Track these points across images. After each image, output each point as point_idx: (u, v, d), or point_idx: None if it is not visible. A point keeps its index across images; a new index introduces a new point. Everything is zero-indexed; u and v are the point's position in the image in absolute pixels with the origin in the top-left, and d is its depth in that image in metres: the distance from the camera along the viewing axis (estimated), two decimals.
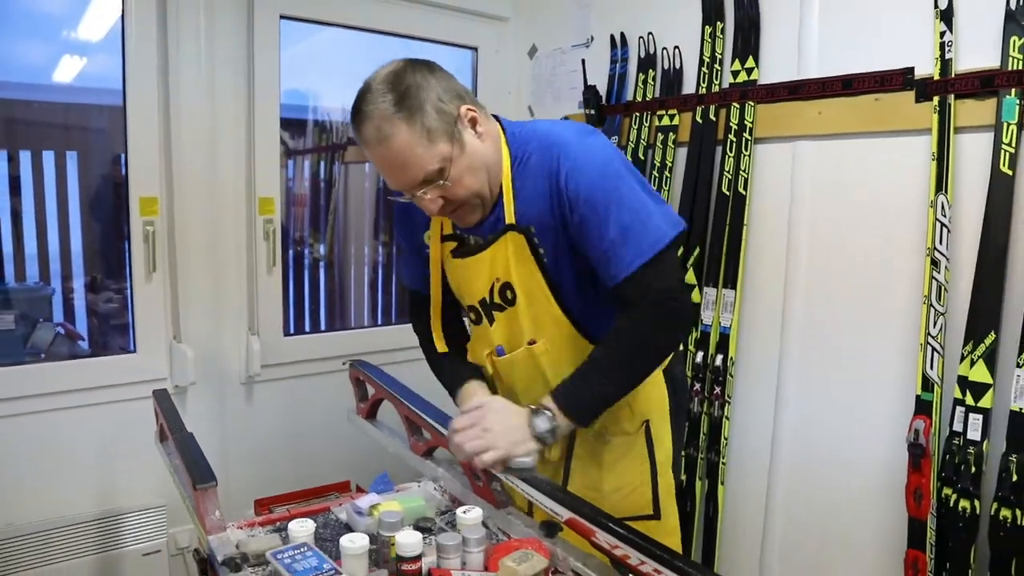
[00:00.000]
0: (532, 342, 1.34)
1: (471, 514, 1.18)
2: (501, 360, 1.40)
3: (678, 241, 1.25)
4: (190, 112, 2.01)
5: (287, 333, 2.34)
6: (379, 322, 3.13)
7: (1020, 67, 1.49)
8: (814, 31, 1.81)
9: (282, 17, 2.13)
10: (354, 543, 1.10)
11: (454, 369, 1.47)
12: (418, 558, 1.09)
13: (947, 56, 1.58)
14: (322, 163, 3.31)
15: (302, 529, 1.19)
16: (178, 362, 2.04)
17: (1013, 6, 1.49)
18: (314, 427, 2.25)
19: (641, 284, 1.20)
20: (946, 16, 1.58)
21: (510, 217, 1.28)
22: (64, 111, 2.23)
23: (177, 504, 1.43)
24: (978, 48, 1.55)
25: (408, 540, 1.08)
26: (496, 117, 1.34)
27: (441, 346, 1.47)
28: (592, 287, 1.31)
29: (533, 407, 1.24)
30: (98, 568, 2.01)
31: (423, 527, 1.23)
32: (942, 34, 1.58)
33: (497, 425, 1.22)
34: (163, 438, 1.56)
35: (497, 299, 1.35)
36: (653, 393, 1.43)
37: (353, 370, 1.75)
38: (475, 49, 2.56)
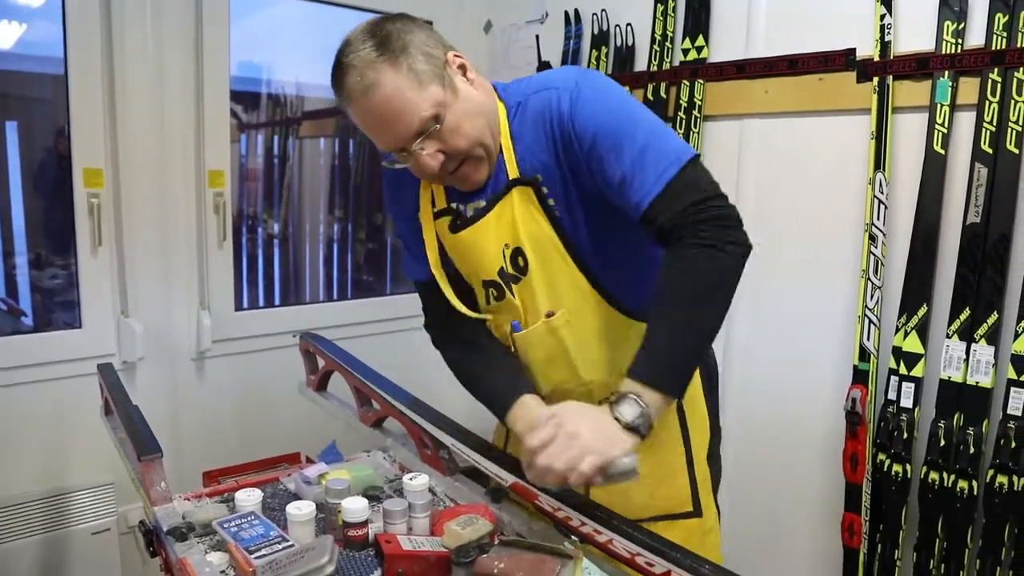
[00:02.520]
0: (550, 314, 1.18)
1: (417, 480, 1.20)
2: (518, 337, 1.23)
3: (699, 159, 1.08)
4: (136, 83, 1.96)
5: (239, 308, 2.32)
6: (335, 297, 3.11)
7: (953, 51, 1.55)
8: (762, 11, 1.85)
9: None
10: (300, 510, 1.12)
11: (498, 378, 1.24)
12: (364, 524, 1.11)
13: (887, 38, 1.64)
14: (276, 137, 3.27)
15: (249, 498, 1.20)
16: (126, 337, 2.01)
17: None
18: (267, 402, 2.24)
19: (674, 203, 1.03)
20: (888, 2, 1.63)
21: (513, 170, 1.14)
22: (2, 79, 2.17)
23: (126, 481, 1.41)
24: (915, 31, 1.61)
25: (354, 506, 1.10)
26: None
27: (461, 306, 1.23)
28: (613, 243, 1.16)
29: (611, 397, 1.02)
30: (46, 548, 1.99)
31: (371, 495, 1.25)
32: (882, 17, 1.64)
33: (581, 428, 0.99)
34: (108, 412, 1.55)
35: (510, 269, 1.19)
36: None
37: (303, 342, 1.76)
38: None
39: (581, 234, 1.15)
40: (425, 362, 2.62)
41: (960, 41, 1.54)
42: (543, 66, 2.30)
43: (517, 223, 1.15)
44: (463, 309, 1.23)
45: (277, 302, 3.10)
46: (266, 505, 1.24)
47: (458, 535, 1.07)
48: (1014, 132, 1.49)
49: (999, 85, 1.49)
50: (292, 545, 1.08)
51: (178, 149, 2.06)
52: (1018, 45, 1.47)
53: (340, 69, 1.06)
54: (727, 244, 1.02)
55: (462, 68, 1.12)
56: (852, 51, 1.68)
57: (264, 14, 2.60)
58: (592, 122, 1.07)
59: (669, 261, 1.05)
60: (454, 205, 1.22)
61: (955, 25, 1.54)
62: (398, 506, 1.13)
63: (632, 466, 0.98)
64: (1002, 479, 1.51)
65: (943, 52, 1.56)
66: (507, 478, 1.17)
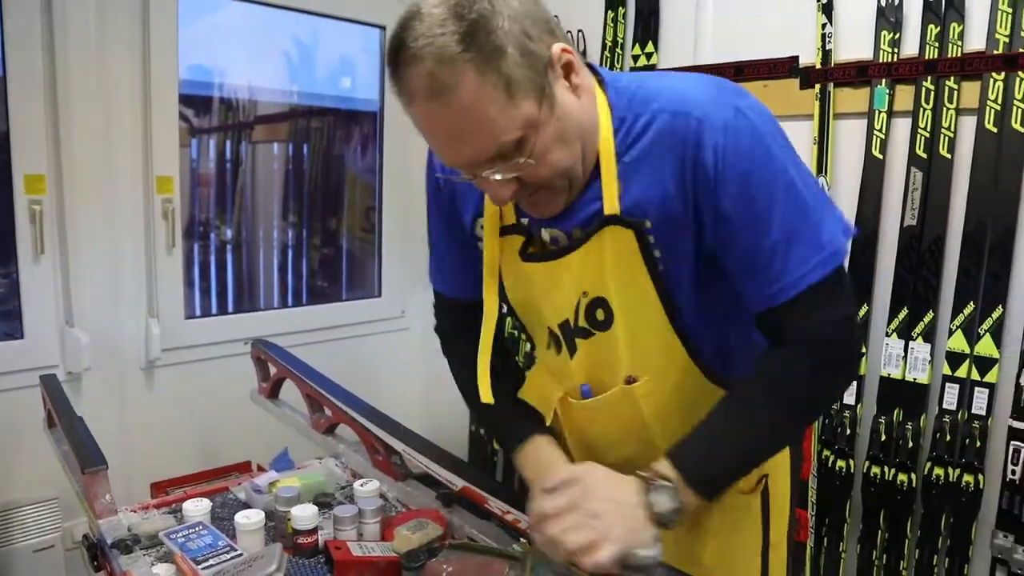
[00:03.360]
0: (631, 380, 0.99)
1: (368, 486, 1.21)
2: (583, 404, 1.04)
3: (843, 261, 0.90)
4: (80, 87, 1.93)
5: (190, 316, 2.29)
6: (289, 303, 3.09)
7: (890, 59, 1.61)
8: (709, 19, 1.90)
9: None
10: (249, 519, 1.12)
11: (509, 414, 1.10)
12: (314, 531, 1.11)
13: (828, 47, 1.70)
14: (228, 142, 3.23)
15: (197, 508, 1.19)
16: (71, 347, 1.97)
17: (883, 3, 1.60)
18: (219, 411, 2.22)
19: (809, 311, 0.87)
20: (827, 9, 1.69)
21: (611, 206, 0.92)
22: None
23: (71, 496, 1.38)
24: (855, 41, 1.67)
25: (303, 514, 1.11)
26: (589, 64, 0.96)
27: (486, 392, 1.04)
28: (720, 304, 0.98)
29: (645, 476, 0.89)
30: None
31: (322, 502, 1.25)
32: (823, 26, 1.69)
33: (605, 508, 0.87)
34: (51, 425, 1.52)
35: (583, 321, 0.99)
36: None
37: (255, 350, 1.74)
38: (383, 28, 2.55)
39: (684, 292, 0.95)
40: (380, 368, 2.65)
41: (896, 50, 1.61)
42: None
43: (606, 269, 0.94)
44: (484, 376, 1.04)
45: (231, 309, 3.07)
46: (215, 515, 1.23)
47: (408, 539, 1.08)
48: (947, 138, 1.55)
49: (932, 93, 1.56)
50: (241, 554, 1.07)
51: (125, 155, 2.03)
52: (949, 55, 1.54)
53: (403, 54, 0.81)
54: (841, 376, 0.92)
55: (567, 68, 0.87)
56: (795, 59, 1.74)
57: (216, 16, 2.57)
58: (742, 178, 0.85)
59: (772, 361, 0.91)
60: (525, 222, 1.01)
61: (891, 35, 1.61)
62: (348, 512, 1.13)
63: (656, 559, 0.87)
64: (939, 471, 1.57)
65: (880, 60, 1.62)
66: (457, 483, 1.18)
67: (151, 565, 1.08)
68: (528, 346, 2.02)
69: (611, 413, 1.03)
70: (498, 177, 0.86)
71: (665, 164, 0.89)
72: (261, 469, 1.46)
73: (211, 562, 1.05)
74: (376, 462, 1.37)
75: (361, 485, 1.22)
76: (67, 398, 1.46)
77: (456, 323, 1.16)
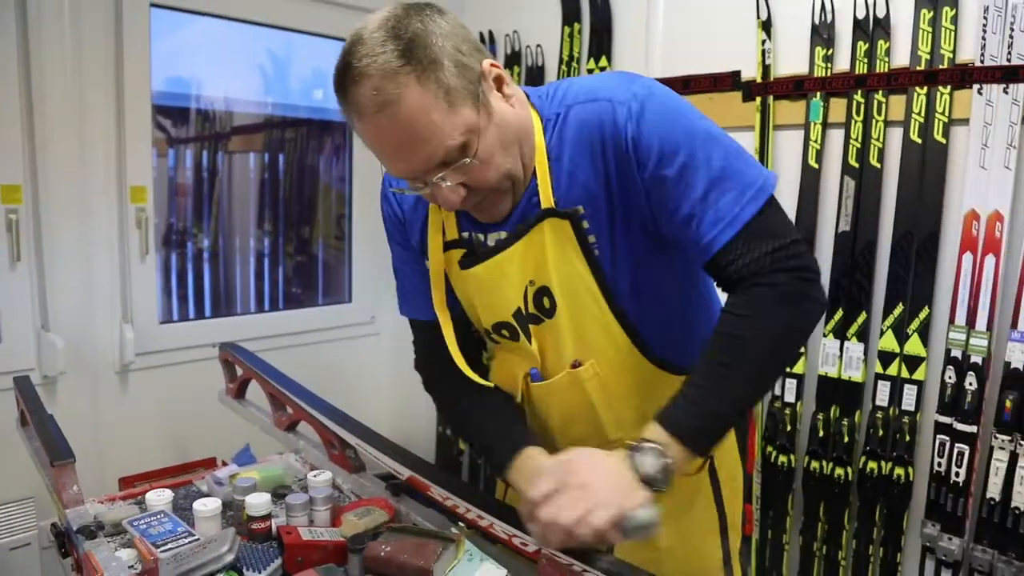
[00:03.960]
0: (576, 364, 1.04)
1: (320, 477, 1.29)
2: (537, 387, 1.10)
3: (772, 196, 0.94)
4: (55, 99, 2.01)
5: (163, 321, 2.37)
6: (266, 308, 3.17)
7: (824, 74, 1.72)
8: (659, 35, 2.01)
9: (152, 5, 2.16)
10: (206, 506, 1.20)
11: (497, 428, 1.11)
12: (267, 517, 1.19)
13: (767, 62, 1.80)
14: (204, 152, 3.32)
15: (159, 498, 1.27)
16: (47, 352, 2.05)
17: (818, 21, 1.71)
18: (191, 412, 2.29)
19: (751, 247, 0.90)
20: (766, 27, 1.80)
21: (547, 198, 0.98)
22: None
23: (46, 496, 1.46)
24: (792, 56, 1.78)
25: (256, 501, 1.19)
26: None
27: (465, 367, 1.09)
28: (657, 287, 1.03)
29: (631, 443, 0.91)
30: None
31: (280, 493, 1.34)
32: (763, 42, 1.80)
33: (591, 478, 0.89)
34: (24, 424, 1.60)
35: (532, 308, 1.05)
36: None
37: (223, 352, 1.83)
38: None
39: (621, 275, 1.01)
40: (351, 372, 2.73)
41: (830, 65, 1.72)
42: None
43: (548, 259, 1.00)
44: (464, 368, 1.09)
45: (208, 314, 3.15)
46: (178, 505, 1.31)
47: (354, 524, 1.17)
48: (876, 148, 1.66)
49: (862, 106, 1.67)
50: (197, 539, 1.16)
51: (99, 165, 2.11)
52: (877, 71, 1.64)
53: (349, 74, 0.87)
54: (804, 299, 0.92)
55: (498, 81, 0.95)
56: (738, 73, 1.85)
57: (192, 29, 2.66)
58: (659, 143, 0.91)
59: (735, 307, 0.93)
60: (466, 235, 1.07)
61: (825, 51, 1.72)
62: (299, 500, 1.22)
63: (652, 519, 0.87)
64: (872, 465, 1.67)
65: (815, 75, 1.73)
66: (404, 472, 1.27)
67: (114, 550, 1.16)
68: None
69: (561, 396, 1.08)
70: (448, 183, 0.92)
71: (585, 149, 0.96)
72: (225, 464, 1.54)
73: (169, 546, 1.14)
74: (332, 456, 1.46)
75: (314, 476, 1.31)
76: (39, 398, 1.54)
77: (430, 344, 1.17)
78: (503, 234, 1.04)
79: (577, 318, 1.03)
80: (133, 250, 2.19)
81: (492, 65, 0.94)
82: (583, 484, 0.88)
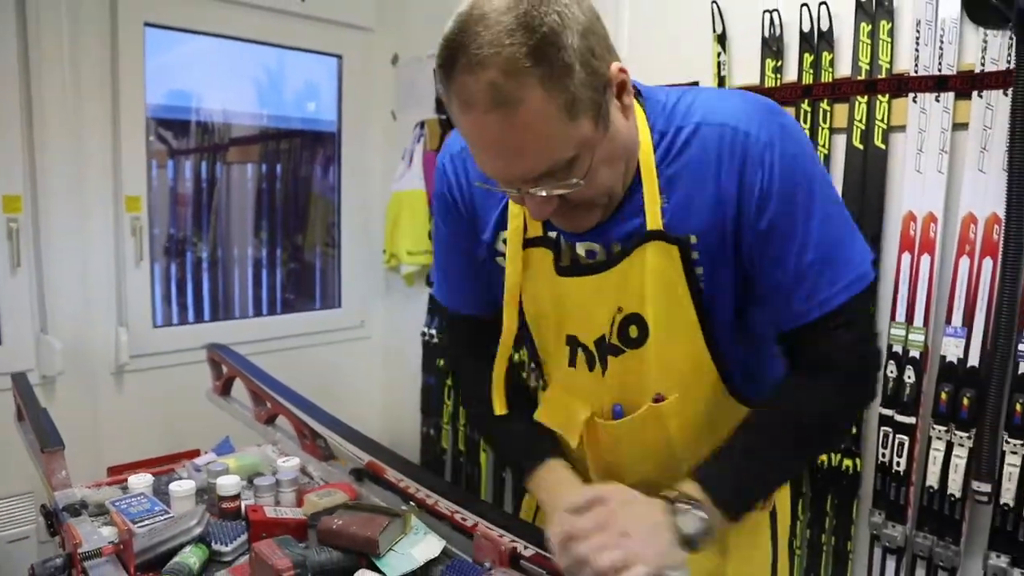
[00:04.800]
0: (660, 398, 0.99)
1: (288, 463, 1.41)
2: (611, 424, 1.03)
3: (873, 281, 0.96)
4: (54, 113, 2.16)
5: (159, 324, 2.51)
6: (263, 312, 3.31)
7: (773, 85, 1.83)
8: (625, 48, 2.13)
9: (147, 24, 2.31)
10: (181, 487, 1.32)
11: (521, 435, 1.10)
12: (236, 497, 1.31)
13: (723, 73, 1.92)
14: (203, 163, 3.47)
15: (140, 482, 1.40)
16: (45, 353, 2.19)
17: (767, 34, 1.83)
18: (184, 411, 2.41)
19: (835, 331, 0.90)
20: (721, 40, 1.91)
21: (655, 221, 0.92)
22: None
23: (44, 490, 1.59)
24: (745, 68, 1.89)
25: (227, 482, 1.31)
26: None
27: (500, 405, 1.08)
28: (752, 326, 0.99)
29: (672, 498, 0.90)
30: None
31: (253, 478, 1.46)
32: (719, 55, 1.92)
33: (635, 528, 0.88)
34: (20, 418, 1.73)
35: (615, 338, 0.98)
36: None
37: (210, 352, 1.96)
38: (340, 57, 2.80)
39: (720, 309, 0.96)
40: (342, 374, 2.86)
41: (779, 76, 1.83)
42: None
43: (646, 286, 0.94)
44: (498, 405, 1.08)
45: (207, 318, 3.29)
46: (160, 490, 1.43)
47: (315, 504, 1.29)
48: (823, 155, 1.76)
49: (809, 114, 1.78)
50: (171, 516, 1.28)
51: (96, 176, 2.26)
52: (822, 81, 1.75)
53: (463, 59, 0.77)
54: (864, 394, 0.96)
55: (621, 88, 0.86)
56: (696, 84, 1.96)
57: (192, 44, 2.80)
58: (785, 195, 0.87)
59: (800, 384, 0.94)
60: (553, 235, 1.00)
61: (774, 63, 1.83)
62: (267, 482, 1.34)
63: None
64: (823, 457, 1.77)
65: (766, 86, 1.84)
66: (364, 458, 1.39)
67: (97, 527, 1.28)
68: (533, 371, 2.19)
69: (637, 432, 1.02)
70: (543, 194, 0.85)
71: (709, 177, 0.89)
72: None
73: (146, 522, 1.26)
74: (304, 446, 1.58)
75: (283, 462, 1.43)
76: (34, 392, 1.67)
77: (465, 341, 1.18)
78: (596, 247, 0.97)
79: (668, 350, 0.97)
80: (128, 257, 2.33)
81: (621, 70, 0.85)
82: (624, 532, 0.87)
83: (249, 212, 3.45)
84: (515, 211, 1.01)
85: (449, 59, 0.79)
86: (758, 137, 0.87)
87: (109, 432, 2.33)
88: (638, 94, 0.94)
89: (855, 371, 0.94)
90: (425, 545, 1.15)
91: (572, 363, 1.04)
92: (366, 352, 2.96)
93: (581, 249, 0.99)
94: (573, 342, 1.03)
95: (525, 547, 1.05)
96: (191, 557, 1.14)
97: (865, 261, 0.92)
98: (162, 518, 1.27)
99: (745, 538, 1.09)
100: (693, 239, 0.92)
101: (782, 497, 1.16)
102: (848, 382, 0.94)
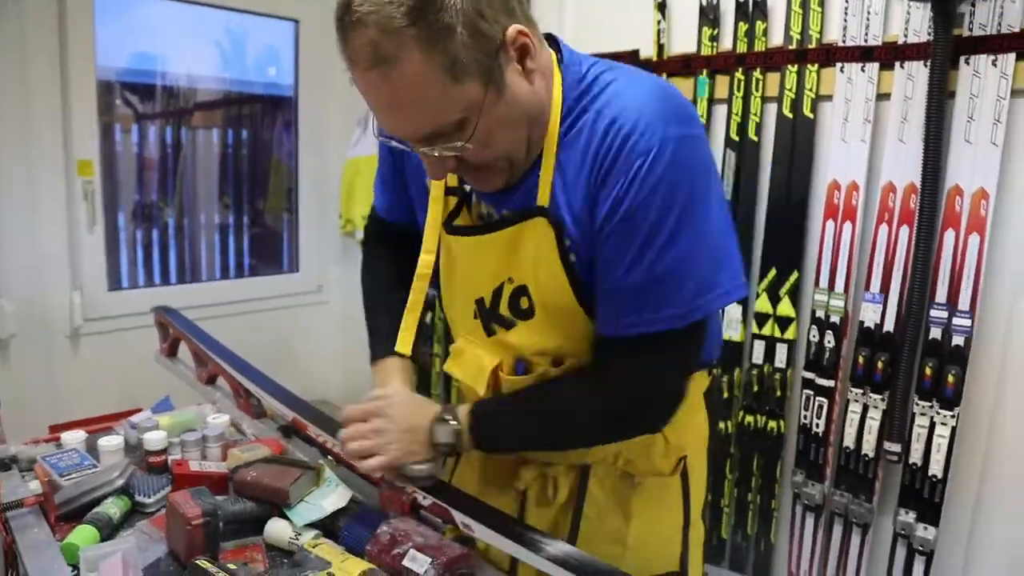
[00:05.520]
0: (559, 361, 1.02)
1: (217, 420, 1.47)
2: (514, 380, 1.04)
3: (706, 321, 0.95)
4: (2, 81, 2.18)
5: (112, 288, 2.55)
6: (221, 276, 3.35)
7: (710, 52, 1.87)
8: (571, 17, 2.16)
9: None
10: (109, 442, 1.38)
11: (382, 329, 1.18)
12: (163, 452, 1.37)
13: (662, 41, 1.95)
14: (169, 128, 3.49)
15: (73, 438, 1.45)
16: None
17: (704, 3, 1.86)
18: (138, 374, 2.47)
19: (631, 357, 0.94)
20: (662, 8, 1.94)
21: (543, 197, 0.93)
22: None
23: None
24: (683, 36, 1.93)
25: (153, 437, 1.37)
26: (549, 37, 0.96)
27: (404, 344, 1.13)
28: None
29: (442, 411, 1.02)
30: None
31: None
32: (659, 23, 1.95)
33: (393, 426, 1.02)
34: None
35: (504, 308, 1.02)
36: (694, 420, 1.15)
37: (157, 315, 2.01)
38: (296, 21, 2.81)
39: (592, 287, 0.97)
40: (300, 337, 2.92)
41: (715, 45, 1.86)
42: None
43: (527, 259, 0.97)
44: (408, 336, 1.12)
45: (160, 282, 3.34)
46: (93, 447, 1.49)
47: (238, 458, 1.34)
48: (754, 123, 1.81)
49: (742, 83, 1.82)
50: (98, 468, 1.34)
51: (46, 140, 2.28)
52: (755, 50, 1.79)
53: (347, 17, 0.80)
54: (637, 421, 1.00)
55: (522, 51, 0.85)
56: (636, 52, 1.99)
57: (154, 5, 2.80)
58: (634, 209, 0.87)
59: (592, 378, 0.99)
60: (468, 189, 1.03)
61: (711, 31, 1.86)
62: (193, 437, 1.40)
63: (424, 473, 1.05)
64: (750, 419, 1.84)
65: (702, 54, 1.88)
66: (289, 415, 1.45)
67: (26, 481, 1.34)
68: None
69: None
70: (435, 154, 0.87)
71: (586, 168, 0.90)
72: None
73: (74, 475, 1.32)
74: (239, 404, 1.64)
75: (212, 418, 1.49)
76: None
77: (382, 235, 1.27)
78: (491, 208, 1.01)
79: (558, 321, 1.00)
80: (81, 221, 2.37)
81: (520, 33, 0.84)
82: (380, 429, 1.02)
83: (214, 177, 3.49)
84: None
85: (338, 17, 0.82)
86: (636, 144, 0.86)
87: (64, 394, 2.39)
88: (560, 59, 0.94)
89: (635, 393, 0.96)
90: (335, 496, 1.21)
91: (475, 315, 1.08)
92: (324, 316, 3.01)
93: (485, 208, 1.02)
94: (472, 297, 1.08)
95: (424, 497, 1.12)
96: (112, 507, 1.20)
97: (689, 304, 0.90)
98: (90, 472, 1.33)
99: (651, 502, 1.13)
100: (566, 219, 0.93)
101: (697, 466, 1.17)
102: (627, 399, 0.97)
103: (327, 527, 1.15)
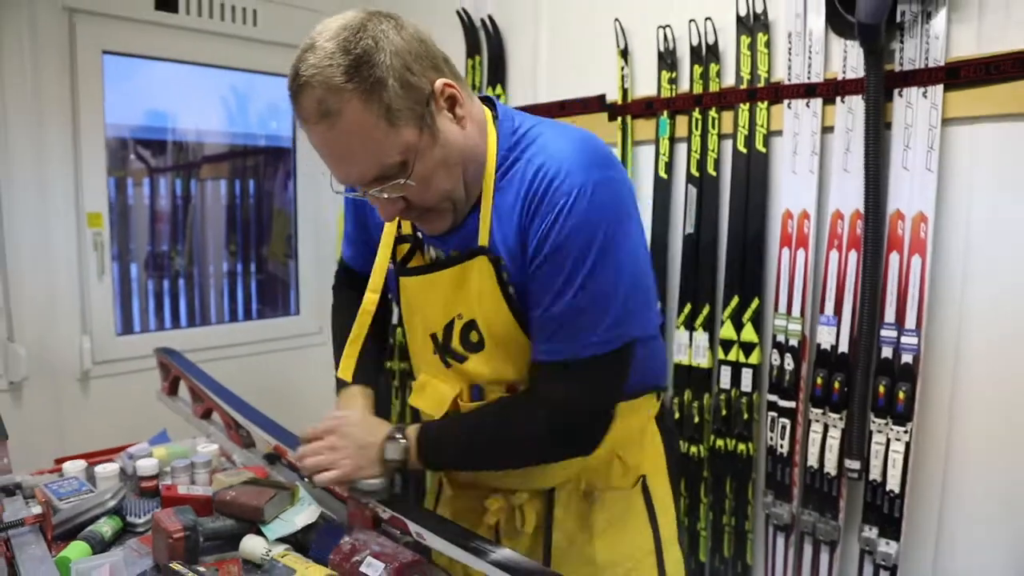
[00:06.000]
0: (512, 388, 1.13)
1: (206, 448, 1.60)
2: (471, 406, 1.16)
3: (628, 348, 1.05)
4: (17, 136, 2.36)
5: (121, 333, 2.70)
6: (240, 318, 3.50)
7: (669, 95, 2.00)
8: (543, 65, 2.31)
9: (105, 52, 2.52)
10: (105, 469, 1.51)
11: (348, 364, 1.27)
12: (154, 477, 1.50)
13: (626, 86, 2.09)
14: (178, 181, 3.69)
15: (73, 467, 1.58)
16: (12, 360, 2.39)
17: (662, 49, 2.00)
18: (145, 414, 2.60)
19: (556, 381, 1.04)
20: (624, 55, 2.09)
21: (484, 237, 1.05)
22: None
23: None
24: (645, 80, 2.07)
25: (145, 464, 1.50)
26: (486, 99, 1.12)
27: (346, 372, 1.26)
28: None
29: (393, 430, 1.15)
30: None
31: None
32: (622, 68, 2.09)
33: (347, 443, 1.14)
34: None
35: (456, 343, 1.13)
36: (645, 442, 1.25)
37: (159, 356, 2.15)
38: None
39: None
40: (299, 378, 3.04)
41: (674, 87, 2.00)
42: None
43: (472, 296, 1.08)
44: (344, 371, 1.25)
45: (184, 325, 3.49)
46: (93, 476, 1.62)
47: (222, 482, 1.46)
48: (712, 159, 1.93)
49: (700, 122, 1.95)
50: (94, 493, 1.46)
51: (59, 194, 2.46)
52: (710, 91, 1.92)
53: (297, 81, 0.94)
54: (558, 446, 1.08)
55: (451, 101, 1.00)
56: (603, 96, 2.14)
57: (166, 67, 3.01)
58: (558, 247, 0.98)
59: (520, 401, 1.10)
60: (420, 235, 1.16)
61: (670, 74, 2.00)
62: (182, 464, 1.52)
63: (375, 488, 1.17)
64: (720, 442, 1.93)
65: (662, 96, 2.01)
66: (272, 442, 1.57)
67: (29, 506, 1.47)
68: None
69: None
70: (385, 195, 1.00)
71: (518, 209, 1.02)
72: None
73: (71, 499, 1.44)
74: (230, 435, 1.76)
75: (202, 447, 1.61)
76: None
77: (349, 281, 1.41)
78: (439, 250, 1.14)
79: (505, 350, 1.10)
80: (91, 270, 2.53)
81: (447, 85, 0.99)
82: (334, 446, 1.15)
83: (222, 226, 3.67)
84: None
85: (290, 83, 0.97)
86: (560, 187, 0.98)
87: (72, 433, 2.53)
88: (495, 115, 1.08)
89: (556, 418, 1.06)
90: (306, 514, 1.32)
91: (435, 352, 1.19)
92: (324, 357, 3.14)
93: (433, 252, 1.15)
94: (433, 337, 1.18)
95: (384, 511, 1.22)
96: (104, 526, 1.32)
97: (615, 330, 1.02)
98: (87, 495, 1.46)
99: (615, 520, 1.21)
100: (503, 260, 1.05)
101: (659, 485, 1.25)
102: (552, 420, 1.06)
103: (299, 542, 1.26)
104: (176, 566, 1.06)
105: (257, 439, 1.71)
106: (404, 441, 1.14)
